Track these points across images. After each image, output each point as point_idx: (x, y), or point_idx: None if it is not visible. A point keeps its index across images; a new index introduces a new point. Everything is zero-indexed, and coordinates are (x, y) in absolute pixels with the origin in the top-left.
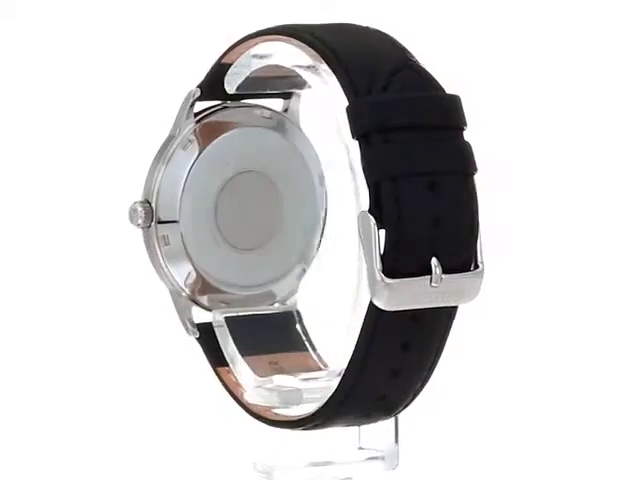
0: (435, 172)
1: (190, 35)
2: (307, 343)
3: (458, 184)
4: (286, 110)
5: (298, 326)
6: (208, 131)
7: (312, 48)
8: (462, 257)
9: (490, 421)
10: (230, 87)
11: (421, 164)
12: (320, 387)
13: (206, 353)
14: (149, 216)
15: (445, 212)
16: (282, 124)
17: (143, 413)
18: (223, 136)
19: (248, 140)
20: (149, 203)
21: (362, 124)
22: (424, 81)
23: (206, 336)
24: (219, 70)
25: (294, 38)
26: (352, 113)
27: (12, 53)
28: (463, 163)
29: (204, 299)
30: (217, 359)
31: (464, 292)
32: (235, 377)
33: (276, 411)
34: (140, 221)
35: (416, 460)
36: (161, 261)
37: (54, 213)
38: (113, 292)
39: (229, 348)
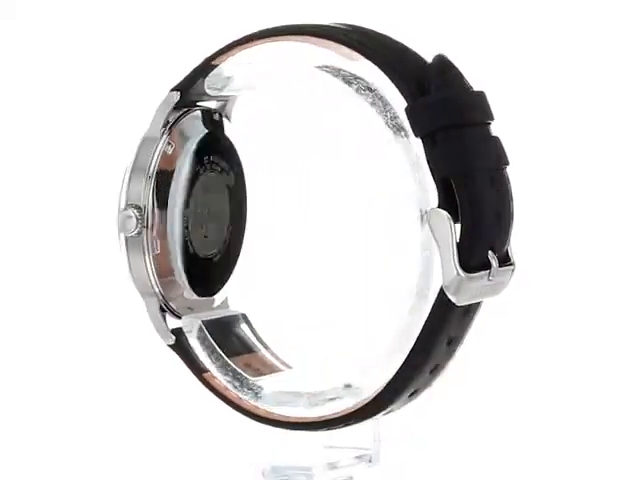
0: (492, 167)
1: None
2: (259, 343)
3: (506, 178)
4: (223, 109)
5: (247, 327)
6: (183, 135)
7: (351, 49)
8: (505, 250)
9: (484, 419)
10: (213, 89)
11: (483, 160)
12: (335, 388)
13: (186, 362)
14: (144, 223)
15: (502, 206)
16: (223, 125)
17: (140, 416)
18: (193, 139)
19: (209, 142)
20: (141, 209)
21: (426, 123)
22: (463, 80)
23: (181, 343)
24: (204, 71)
25: (326, 39)
26: (414, 113)
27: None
28: (504, 157)
29: (176, 305)
30: (198, 366)
31: (502, 285)
32: (221, 381)
33: (280, 412)
34: (134, 228)
35: (400, 458)
36: (148, 268)
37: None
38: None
39: (208, 353)
